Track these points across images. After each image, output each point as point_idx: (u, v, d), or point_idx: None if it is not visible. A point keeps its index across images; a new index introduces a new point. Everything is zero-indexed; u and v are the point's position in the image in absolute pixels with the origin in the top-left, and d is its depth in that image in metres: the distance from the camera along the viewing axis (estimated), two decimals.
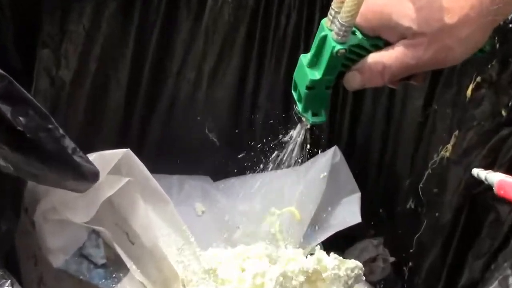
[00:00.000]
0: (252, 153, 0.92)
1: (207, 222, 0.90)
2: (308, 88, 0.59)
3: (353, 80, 0.60)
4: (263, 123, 0.94)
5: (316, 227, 0.89)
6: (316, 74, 0.58)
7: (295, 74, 0.61)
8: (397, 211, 0.91)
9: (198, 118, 0.93)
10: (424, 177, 0.84)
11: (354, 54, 0.58)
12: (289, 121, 0.91)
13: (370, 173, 0.95)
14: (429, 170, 0.83)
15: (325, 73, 0.58)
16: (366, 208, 0.91)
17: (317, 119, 0.61)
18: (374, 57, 0.58)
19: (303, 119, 0.63)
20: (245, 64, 0.92)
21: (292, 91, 0.62)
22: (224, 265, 0.77)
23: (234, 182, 0.95)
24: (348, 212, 0.89)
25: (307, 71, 0.58)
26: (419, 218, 0.85)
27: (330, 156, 0.90)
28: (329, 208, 0.90)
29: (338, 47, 0.56)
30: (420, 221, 0.84)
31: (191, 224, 0.80)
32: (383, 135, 0.93)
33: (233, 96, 0.93)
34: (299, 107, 0.61)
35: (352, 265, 0.78)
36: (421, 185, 0.85)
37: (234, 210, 0.91)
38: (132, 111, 0.90)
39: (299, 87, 0.60)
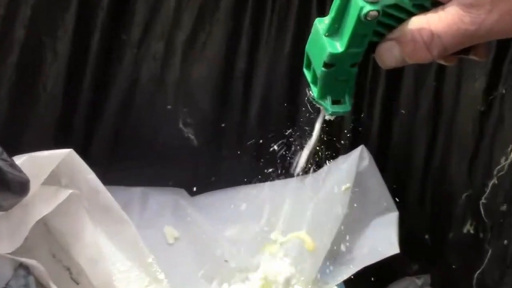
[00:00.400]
0: (244, 157, 0.92)
1: (182, 253, 0.91)
2: (326, 65, 0.59)
3: (389, 54, 0.60)
4: (259, 114, 0.95)
5: (336, 260, 0.89)
6: (338, 46, 0.59)
7: (307, 47, 0.62)
8: (450, 238, 0.92)
9: (169, 107, 0.94)
10: (488, 190, 0.84)
11: (390, 18, 0.59)
12: (297, 112, 0.92)
13: (411, 184, 0.96)
14: (495, 180, 0.83)
15: (349, 45, 0.58)
16: (406, 233, 0.91)
17: (338, 109, 0.62)
18: (418, 22, 0.58)
19: (320, 108, 0.63)
20: (235, 33, 0.92)
21: (304, 70, 0.63)
22: None
23: (219, 197, 0.95)
24: (381, 239, 0.90)
25: (325, 42, 0.59)
26: (481, 247, 0.86)
27: (355, 160, 0.90)
28: (354, 234, 0.90)
29: (367, 7, 0.56)
30: (482, 251, 0.85)
31: (159, 255, 0.81)
32: (429, 130, 0.94)
33: (218, 77, 0.94)
34: (313, 91, 0.62)
35: None
36: (483, 200, 0.85)
37: (219, 236, 0.92)
38: (76, 96, 0.91)
39: (314, 64, 0.61)
